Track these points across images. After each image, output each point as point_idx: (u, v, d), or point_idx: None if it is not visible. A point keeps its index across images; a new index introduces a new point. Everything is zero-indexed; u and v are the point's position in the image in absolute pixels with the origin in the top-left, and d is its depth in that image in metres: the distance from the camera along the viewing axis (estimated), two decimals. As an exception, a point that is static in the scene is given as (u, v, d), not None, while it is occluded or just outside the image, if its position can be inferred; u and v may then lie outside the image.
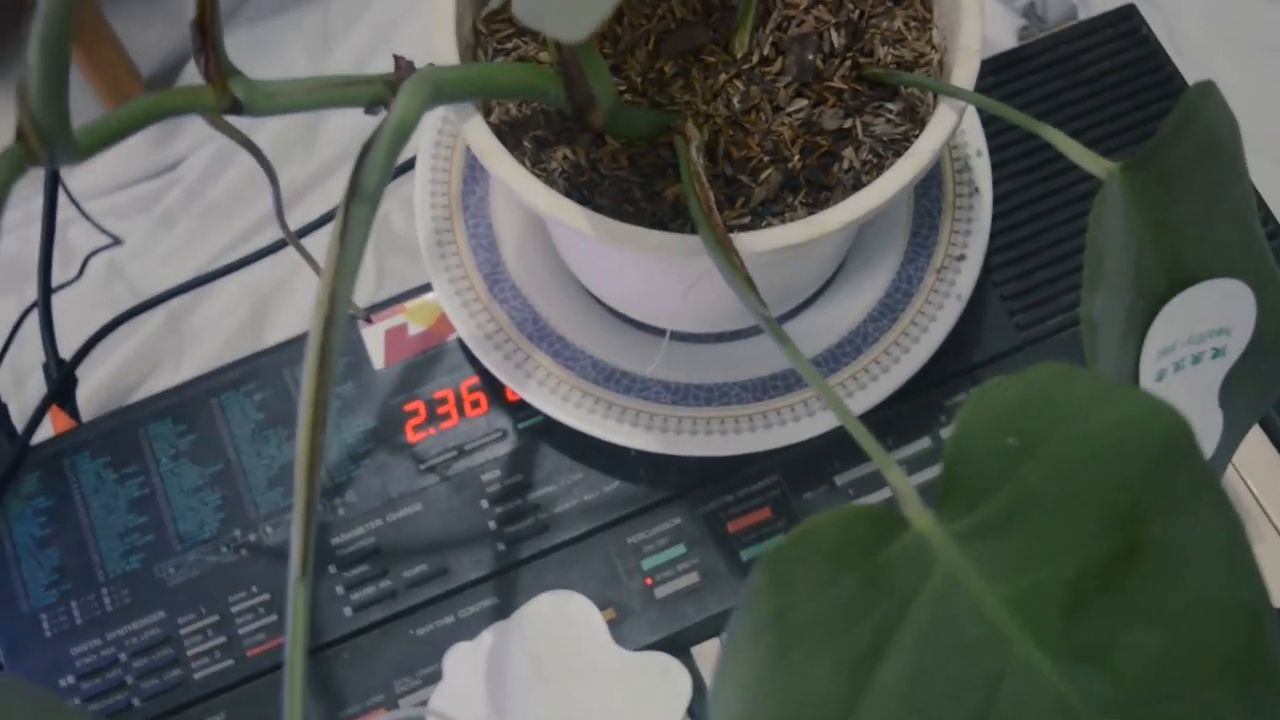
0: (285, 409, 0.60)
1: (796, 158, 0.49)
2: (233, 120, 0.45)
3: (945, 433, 0.58)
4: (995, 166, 0.62)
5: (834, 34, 0.51)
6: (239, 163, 0.88)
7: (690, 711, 0.56)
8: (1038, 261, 0.61)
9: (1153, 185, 0.41)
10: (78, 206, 0.84)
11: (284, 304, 0.84)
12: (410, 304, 0.62)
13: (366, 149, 0.43)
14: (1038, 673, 0.35)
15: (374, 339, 0.61)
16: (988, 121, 0.61)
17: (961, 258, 0.57)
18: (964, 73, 0.47)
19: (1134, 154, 0.40)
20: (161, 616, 0.57)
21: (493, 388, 0.60)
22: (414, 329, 0.61)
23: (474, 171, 0.60)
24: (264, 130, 0.89)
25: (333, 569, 0.58)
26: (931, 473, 0.58)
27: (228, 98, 0.44)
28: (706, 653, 0.57)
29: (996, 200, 0.62)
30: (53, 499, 0.59)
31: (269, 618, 0.57)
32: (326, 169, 0.88)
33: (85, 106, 0.90)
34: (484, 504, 0.58)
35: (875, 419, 0.57)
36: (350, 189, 0.42)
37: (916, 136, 0.48)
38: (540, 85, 0.48)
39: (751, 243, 0.45)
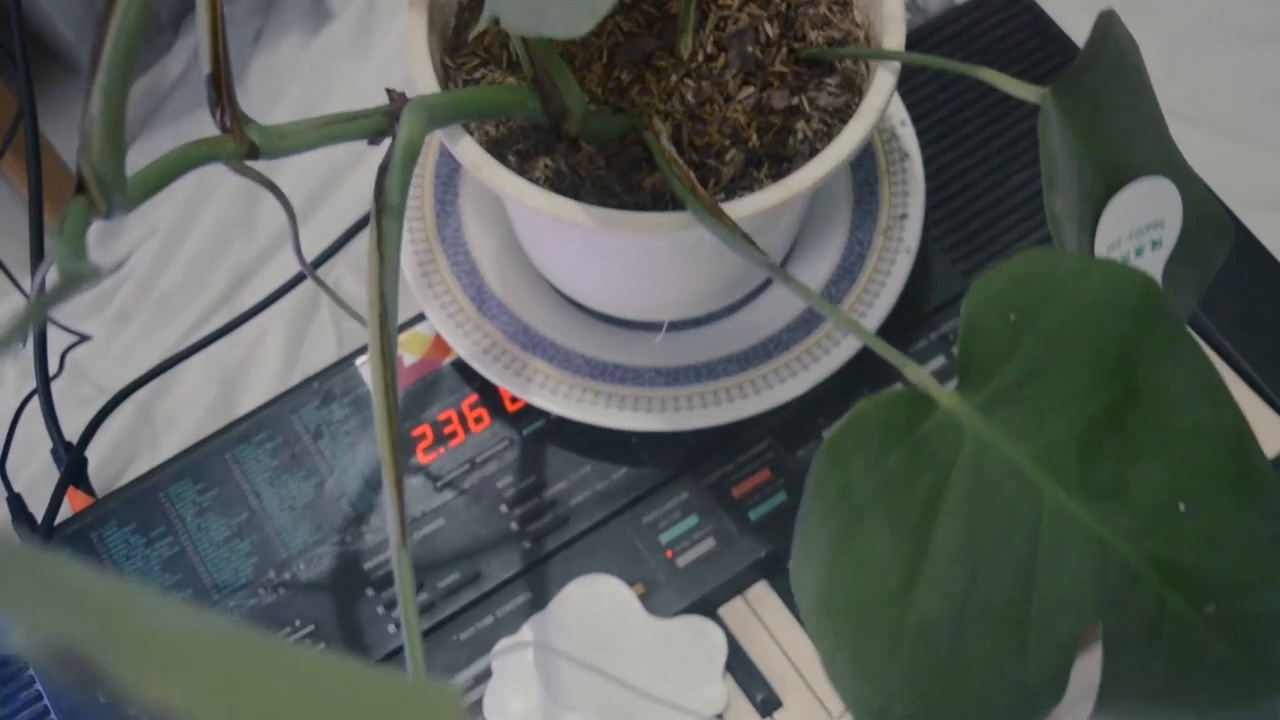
0: (298, 452, 0.63)
1: (754, 137, 0.54)
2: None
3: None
4: (919, 134, 0.68)
5: (768, 25, 0.56)
6: (184, 253, 0.91)
7: (727, 666, 0.60)
8: (969, 212, 0.67)
9: (1080, 103, 0.47)
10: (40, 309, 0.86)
11: (250, 380, 0.86)
12: (400, 337, 0.66)
13: (384, 170, 0.47)
14: (1069, 513, 0.40)
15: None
16: (905, 95, 0.67)
17: (904, 215, 0.63)
18: (894, 38, 0.53)
19: (1059, 79, 0.46)
20: (213, 663, 0.59)
21: (492, 402, 0.64)
22: (409, 359, 0.65)
23: (445, 206, 0.65)
24: (201, 219, 0.92)
25: (370, 592, 0.61)
26: (907, 415, 0.63)
27: (245, 143, 0.47)
28: (733, 610, 0.61)
29: (924, 164, 0.68)
30: (87, 571, 0.61)
31: (317, 647, 0.60)
32: (273, 244, 0.91)
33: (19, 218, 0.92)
34: (503, 508, 0.62)
35: (848, 373, 0.62)
36: (377, 205, 0.46)
37: (857, 104, 0.54)
38: (519, 102, 0.53)
39: (737, 209, 0.50)
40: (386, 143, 0.50)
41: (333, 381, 0.65)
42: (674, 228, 0.50)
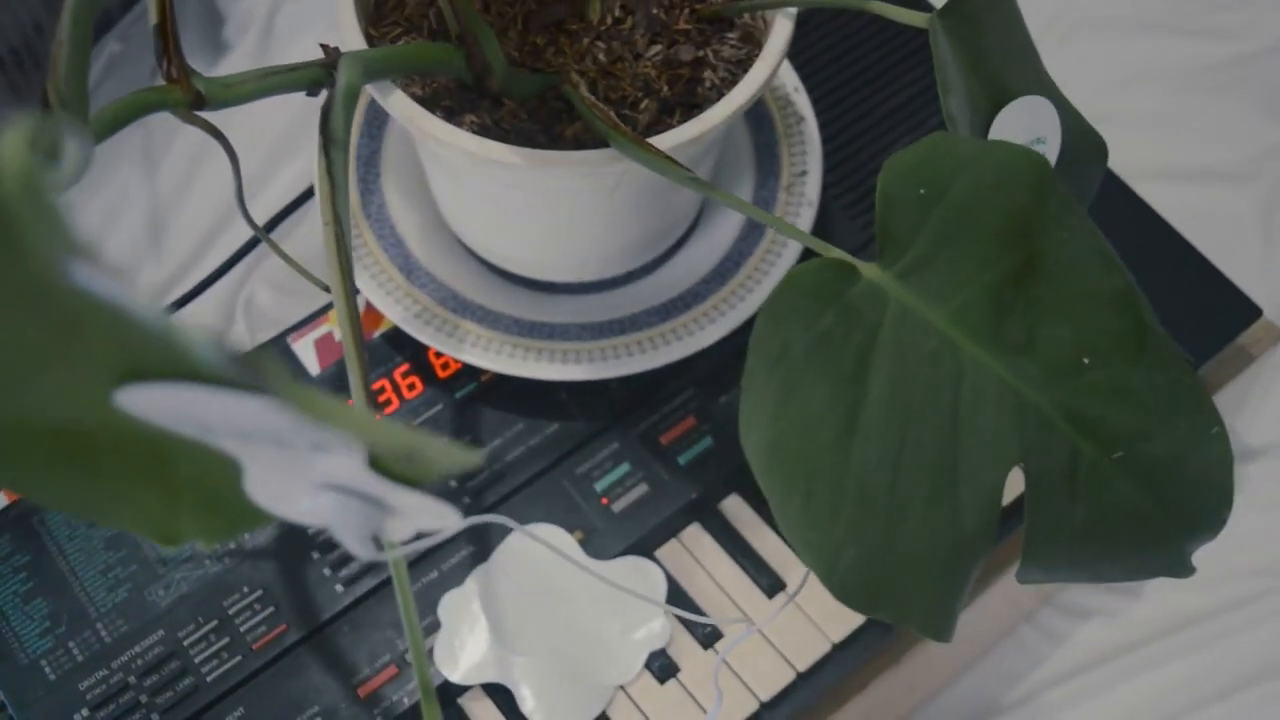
0: (236, 428, 0.64)
1: (666, 88, 0.58)
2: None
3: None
4: (813, 103, 0.73)
5: (671, -11, 0.60)
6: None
7: (668, 604, 0.62)
8: (864, 172, 0.72)
9: (963, 26, 0.51)
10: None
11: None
12: (331, 313, 0.68)
13: (327, 110, 0.50)
14: (986, 368, 0.43)
15: (305, 350, 0.67)
16: (799, 67, 0.72)
17: (804, 173, 0.67)
18: (788, -10, 0.58)
19: (945, 6, 0.51)
20: (162, 634, 0.60)
21: (423, 370, 0.66)
22: (339, 334, 0.67)
23: (368, 185, 0.67)
24: (108, 245, 0.93)
25: (315, 555, 0.62)
26: (820, 360, 0.67)
27: (192, 93, 0.50)
28: (669, 553, 0.64)
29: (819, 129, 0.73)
30: (28, 554, 0.62)
31: (266, 610, 0.61)
32: (183, 265, 0.92)
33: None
34: (442, 468, 0.64)
35: (764, 324, 0.66)
36: (324, 139, 0.49)
37: (757, 55, 0.58)
38: (445, 58, 0.56)
39: (659, 142, 0.53)
40: (323, 96, 0.52)
41: (266, 360, 0.67)
42: (599, 163, 0.53)
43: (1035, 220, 0.44)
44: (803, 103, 0.69)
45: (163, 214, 0.94)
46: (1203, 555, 0.80)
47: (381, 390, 0.66)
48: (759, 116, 0.69)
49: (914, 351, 0.43)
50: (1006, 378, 0.44)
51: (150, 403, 0.29)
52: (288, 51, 1.01)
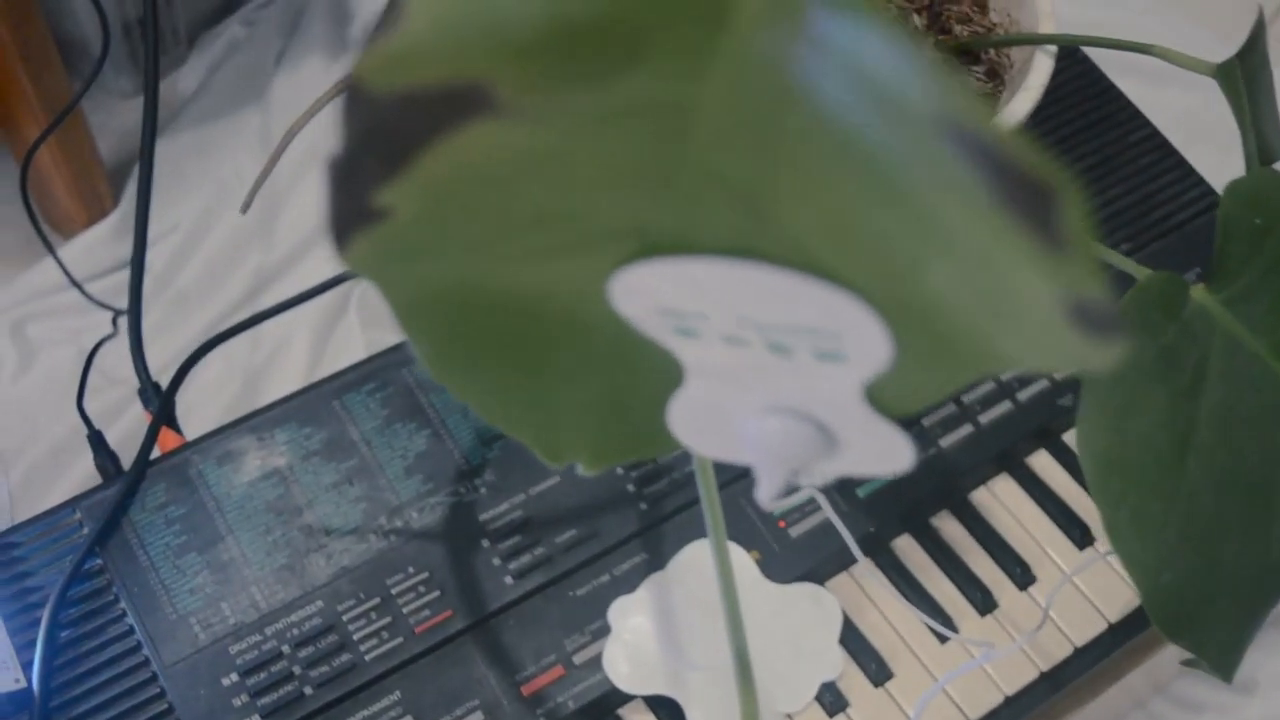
0: (408, 404, 0.62)
1: (911, 111, 0.58)
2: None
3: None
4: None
5: (916, 18, 0.60)
6: (205, 250, 0.89)
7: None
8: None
9: (1245, 80, 0.52)
10: (78, 287, 0.83)
11: (272, 382, 0.84)
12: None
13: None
14: (1305, 405, 0.43)
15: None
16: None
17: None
18: (1047, 28, 0.58)
19: (1230, 59, 0.51)
20: (320, 606, 0.57)
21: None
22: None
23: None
24: (221, 223, 0.90)
25: (485, 543, 0.59)
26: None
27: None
28: (840, 585, 0.62)
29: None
30: (183, 507, 0.59)
31: (431, 594, 0.58)
32: (293, 255, 0.90)
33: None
34: (619, 470, 0.62)
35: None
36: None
37: (1001, 91, 0.58)
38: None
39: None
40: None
41: (442, 340, 0.64)
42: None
43: (1354, 267, 0.44)
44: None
45: (279, 197, 0.92)
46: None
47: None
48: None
49: (1241, 377, 0.42)
50: (1323, 418, 0.43)
51: (654, 279, 0.27)
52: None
